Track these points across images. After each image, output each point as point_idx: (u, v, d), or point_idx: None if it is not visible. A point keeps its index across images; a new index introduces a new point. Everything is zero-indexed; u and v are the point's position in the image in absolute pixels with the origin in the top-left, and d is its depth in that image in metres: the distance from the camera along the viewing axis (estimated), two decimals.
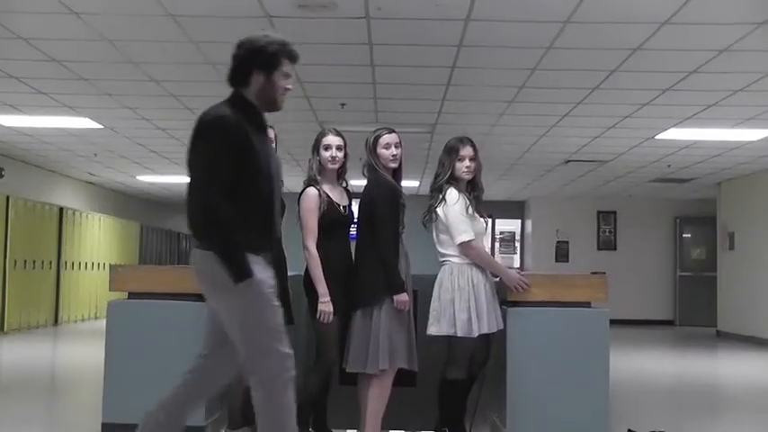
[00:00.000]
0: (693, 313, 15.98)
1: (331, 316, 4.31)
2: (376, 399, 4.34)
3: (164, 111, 8.64)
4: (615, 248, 16.63)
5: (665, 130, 9.23)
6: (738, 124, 8.81)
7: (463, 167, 4.52)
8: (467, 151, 4.53)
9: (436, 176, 4.60)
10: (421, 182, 13.56)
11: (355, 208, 4.55)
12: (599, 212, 16.77)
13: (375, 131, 4.51)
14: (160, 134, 10.12)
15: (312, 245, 4.36)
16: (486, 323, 4.38)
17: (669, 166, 11.93)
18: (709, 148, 10.48)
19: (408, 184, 13.35)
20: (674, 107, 8.06)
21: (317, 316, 4.32)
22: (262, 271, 3.24)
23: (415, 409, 4.81)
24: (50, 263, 13.75)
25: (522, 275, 4.60)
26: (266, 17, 5.55)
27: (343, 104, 8.22)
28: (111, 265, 4.93)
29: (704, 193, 14.72)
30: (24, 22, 5.82)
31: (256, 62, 3.32)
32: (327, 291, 4.31)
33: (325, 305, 4.31)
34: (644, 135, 9.62)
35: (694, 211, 16.30)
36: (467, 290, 4.39)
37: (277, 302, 3.30)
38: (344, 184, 4.62)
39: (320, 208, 4.38)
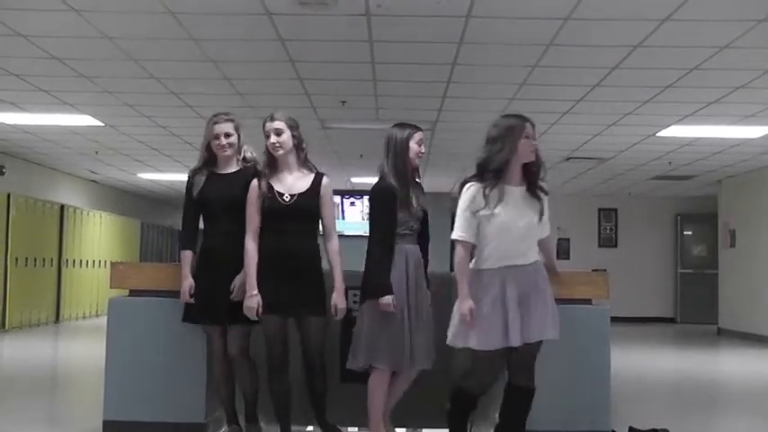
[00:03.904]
0: (694, 311, 15.96)
1: (253, 312, 4.20)
2: (370, 395, 4.37)
3: (165, 108, 8.62)
4: (616, 246, 16.62)
5: (666, 127, 9.22)
6: (739, 121, 8.80)
7: (529, 147, 3.92)
8: (532, 131, 3.95)
9: (485, 160, 3.96)
10: (421, 179, 13.56)
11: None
12: (600, 210, 16.75)
13: (407, 130, 4.48)
14: (161, 132, 10.11)
15: (250, 239, 4.25)
16: (463, 336, 3.92)
17: (670, 163, 11.91)
18: (711, 146, 10.46)
19: None
20: (675, 104, 8.05)
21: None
22: None
23: (419, 406, 4.81)
24: (51, 260, 13.75)
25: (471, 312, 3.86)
26: (267, 14, 5.55)
27: (343, 102, 8.21)
28: (111, 263, 4.94)
29: (705, 190, 14.70)
30: (25, 19, 5.81)
31: None
32: (255, 285, 4.20)
33: (251, 300, 4.21)
34: (645, 132, 9.61)
35: (695, 209, 16.29)
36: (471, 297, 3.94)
37: None
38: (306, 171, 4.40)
39: (262, 199, 4.25)
